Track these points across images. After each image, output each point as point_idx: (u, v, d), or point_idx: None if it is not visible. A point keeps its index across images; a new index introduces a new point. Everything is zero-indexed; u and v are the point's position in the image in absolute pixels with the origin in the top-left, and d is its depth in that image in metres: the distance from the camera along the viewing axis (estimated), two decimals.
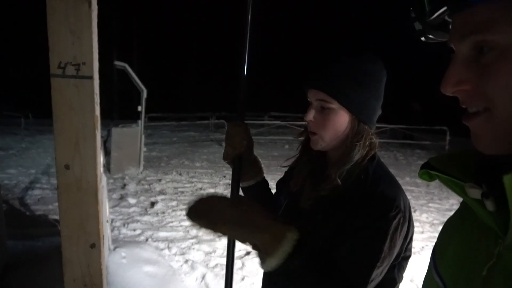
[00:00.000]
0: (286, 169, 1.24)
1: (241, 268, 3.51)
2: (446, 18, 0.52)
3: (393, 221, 0.88)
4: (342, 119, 0.97)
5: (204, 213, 0.76)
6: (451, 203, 5.96)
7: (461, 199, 0.60)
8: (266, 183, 1.23)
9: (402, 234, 0.90)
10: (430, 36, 0.56)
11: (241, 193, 1.19)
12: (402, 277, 0.98)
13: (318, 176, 1.05)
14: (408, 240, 0.95)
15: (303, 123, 1.10)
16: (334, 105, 0.96)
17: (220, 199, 0.79)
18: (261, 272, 1.07)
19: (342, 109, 0.97)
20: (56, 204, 1.22)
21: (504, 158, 0.48)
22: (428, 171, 0.59)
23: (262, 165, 1.21)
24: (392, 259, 0.90)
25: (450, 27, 0.51)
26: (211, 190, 6.25)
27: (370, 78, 0.97)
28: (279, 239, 0.72)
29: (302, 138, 1.14)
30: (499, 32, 0.43)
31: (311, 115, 0.99)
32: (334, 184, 0.96)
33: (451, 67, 0.49)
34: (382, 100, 1.02)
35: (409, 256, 0.97)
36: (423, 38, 0.57)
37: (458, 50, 0.49)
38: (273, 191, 1.27)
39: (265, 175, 1.23)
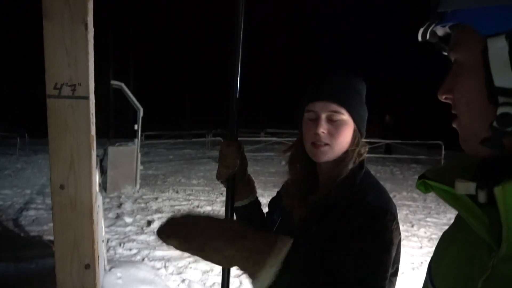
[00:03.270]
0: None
1: (238, 287, 3.46)
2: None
3: (389, 226, 0.89)
4: (350, 130, 1.02)
5: (180, 230, 0.70)
6: (449, 218, 5.93)
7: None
8: (259, 202, 1.23)
9: (396, 241, 0.91)
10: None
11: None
12: None
13: (310, 190, 1.06)
14: (397, 250, 0.94)
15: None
16: (345, 116, 1.01)
17: (198, 217, 0.72)
18: None
19: (350, 120, 1.02)
20: (51, 224, 1.21)
21: (498, 168, 0.49)
22: (425, 182, 0.60)
23: (256, 184, 1.21)
24: (391, 266, 0.89)
25: None
26: (208, 208, 6.20)
27: (362, 92, 1.07)
28: (270, 244, 0.67)
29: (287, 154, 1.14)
30: (458, 51, 0.53)
31: (322, 127, 1.00)
32: (325, 193, 0.98)
33: (447, 76, 0.58)
34: None
35: (397, 269, 0.96)
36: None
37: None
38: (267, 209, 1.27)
39: (262, 191, 1.23)
